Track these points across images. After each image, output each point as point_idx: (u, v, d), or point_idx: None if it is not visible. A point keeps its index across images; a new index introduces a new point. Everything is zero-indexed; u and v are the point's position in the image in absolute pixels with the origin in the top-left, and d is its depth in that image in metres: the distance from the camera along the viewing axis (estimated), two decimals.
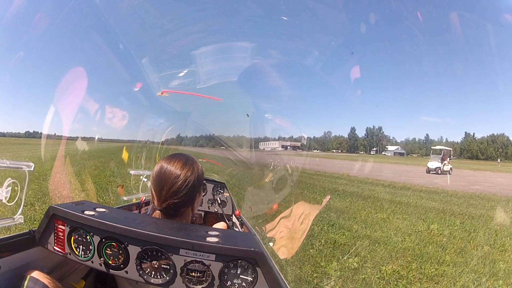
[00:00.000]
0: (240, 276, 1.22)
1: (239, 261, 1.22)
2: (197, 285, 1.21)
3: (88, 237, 1.30)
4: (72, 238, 1.32)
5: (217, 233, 1.32)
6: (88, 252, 1.31)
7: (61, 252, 1.36)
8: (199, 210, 3.46)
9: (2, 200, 1.64)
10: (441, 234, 6.76)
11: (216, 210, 3.41)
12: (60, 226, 1.35)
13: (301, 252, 5.79)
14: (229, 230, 1.99)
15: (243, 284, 1.22)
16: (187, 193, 1.50)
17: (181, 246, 1.22)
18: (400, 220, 7.64)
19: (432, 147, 20.75)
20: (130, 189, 4.54)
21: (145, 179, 3.71)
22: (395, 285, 4.92)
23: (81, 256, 1.32)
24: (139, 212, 2.44)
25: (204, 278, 1.21)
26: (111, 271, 1.29)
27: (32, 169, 1.72)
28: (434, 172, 18.26)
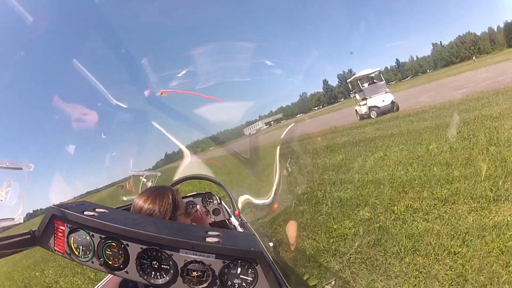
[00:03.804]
0: (240, 276, 1.21)
1: (239, 261, 1.21)
2: (197, 285, 1.20)
3: (88, 237, 1.29)
4: (72, 238, 1.31)
5: (217, 233, 1.31)
6: (88, 252, 1.29)
7: (61, 253, 1.34)
8: None
9: (1, 200, 1.61)
10: (441, 151, 6.37)
11: (213, 220, 3.47)
12: (60, 227, 1.33)
13: (311, 222, 5.42)
14: (229, 230, 2.07)
15: (243, 284, 1.21)
16: None
17: (181, 246, 1.21)
18: (398, 153, 7.23)
19: (348, 81, 17.19)
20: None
21: (145, 180, 3.74)
22: (413, 220, 4.56)
23: (81, 257, 1.30)
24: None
25: (204, 278, 1.20)
26: (111, 271, 1.28)
27: (32, 169, 1.71)
28: (374, 110, 14.21)
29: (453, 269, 3.43)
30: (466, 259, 3.47)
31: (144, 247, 1.23)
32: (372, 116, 13.92)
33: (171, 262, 1.22)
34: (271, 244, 4.57)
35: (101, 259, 1.28)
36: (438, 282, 3.39)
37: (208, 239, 1.24)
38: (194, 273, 1.20)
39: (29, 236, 1.37)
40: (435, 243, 3.91)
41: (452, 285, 3.27)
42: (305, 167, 8.92)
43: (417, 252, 3.91)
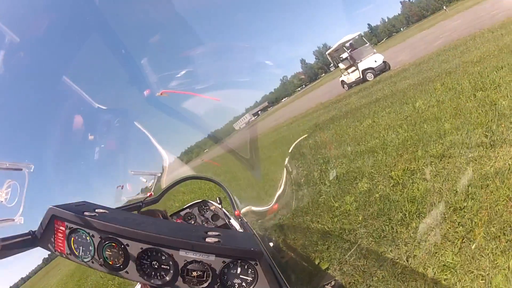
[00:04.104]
0: (240, 276, 1.22)
1: (239, 261, 1.21)
2: (197, 285, 1.21)
3: (88, 238, 1.29)
4: (72, 239, 1.32)
5: (217, 233, 1.31)
6: (88, 253, 1.30)
7: (61, 253, 1.35)
8: None
9: (2, 201, 1.60)
10: (429, 107, 6.20)
11: (213, 226, 3.48)
12: (60, 227, 1.34)
13: (313, 207, 5.29)
14: (229, 230, 2.10)
15: (243, 284, 1.21)
16: None
17: (181, 246, 1.22)
18: (386, 116, 7.05)
19: (327, 53, 16.54)
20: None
21: (145, 180, 3.66)
22: (412, 183, 4.40)
23: (81, 257, 1.31)
24: (138, 213, 2.43)
25: (204, 278, 1.21)
26: (111, 272, 1.28)
27: (32, 170, 1.72)
28: (370, 72, 13.45)
29: (462, 225, 3.28)
30: (473, 212, 3.31)
31: (144, 247, 1.23)
32: (369, 79, 13.34)
33: (171, 262, 1.22)
34: (271, 244, 4.43)
35: (101, 260, 1.28)
36: (449, 241, 3.23)
37: (208, 239, 1.24)
38: (194, 273, 1.20)
39: (30, 237, 1.38)
40: (438, 202, 3.75)
41: (464, 242, 3.11)
42: (298, 152, 8.73)
43: (422, 215, 3.75)
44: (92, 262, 1.31)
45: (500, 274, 2.55)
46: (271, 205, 6.11)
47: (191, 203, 3.85)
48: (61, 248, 1.35)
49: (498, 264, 2.64)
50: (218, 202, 3.65)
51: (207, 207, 3.67)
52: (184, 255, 1.21)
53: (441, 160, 4.46)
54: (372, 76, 13.43)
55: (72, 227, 1.32)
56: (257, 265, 1.21)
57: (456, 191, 3.72)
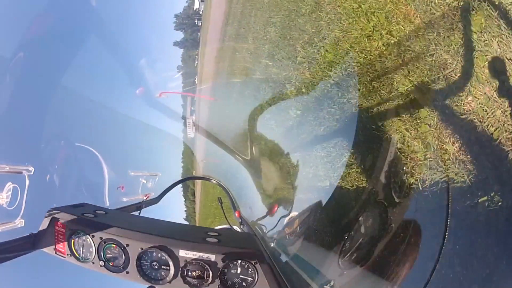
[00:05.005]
0: (240, 276, 1.21)
1: (239, 261, 1.21)
2: (197, 285, 1.20)
3: (88, 239, 1.29)
4: (73, 240, 1.32)
5: (217, 233, 1.31)
6: (88, 254, 1.30)
7: (62, 255, 1.35)
8: None
9: (2, 204, 1.63)
10: None
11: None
12: (60, 229, 1.34)
13: None
14: (229, 231, 2.15)
15: (243, 284, 1.21)
16: None
17: (181, 246, 1.21)
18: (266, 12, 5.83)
19: None
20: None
21: (144, 181, 3.73)
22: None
23: (82, 258, 1.31)
24: (139, 213, 2.44)
25: (204, 278, 1.20)
26: (112, 273, 1.27)
27: (32, 173, 1.72)
28: None
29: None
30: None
31: (144, 247, 1.22)
32: None
33: (171, 263, 1.21)
34: (271, 244, 4.07)
35: (102, 261, 1.27)
36: (402, 95, 2.38)
37: (208, 239, 1.24)
38: (194, 273, 1.20)
39: (30, 239, 1.35)
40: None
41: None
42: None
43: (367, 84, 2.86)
44: (93, 263, 1.30)
45: None
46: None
47: None
48: (62, 250, 1.35)
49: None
50: (219, 202, 3.51)
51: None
52: (184, 255, 1.20)
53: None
54: None
55: (72, 229, 1.32)
56: (257, 265, 1.20)
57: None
